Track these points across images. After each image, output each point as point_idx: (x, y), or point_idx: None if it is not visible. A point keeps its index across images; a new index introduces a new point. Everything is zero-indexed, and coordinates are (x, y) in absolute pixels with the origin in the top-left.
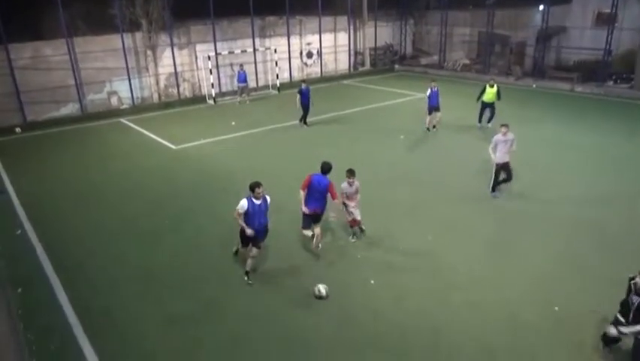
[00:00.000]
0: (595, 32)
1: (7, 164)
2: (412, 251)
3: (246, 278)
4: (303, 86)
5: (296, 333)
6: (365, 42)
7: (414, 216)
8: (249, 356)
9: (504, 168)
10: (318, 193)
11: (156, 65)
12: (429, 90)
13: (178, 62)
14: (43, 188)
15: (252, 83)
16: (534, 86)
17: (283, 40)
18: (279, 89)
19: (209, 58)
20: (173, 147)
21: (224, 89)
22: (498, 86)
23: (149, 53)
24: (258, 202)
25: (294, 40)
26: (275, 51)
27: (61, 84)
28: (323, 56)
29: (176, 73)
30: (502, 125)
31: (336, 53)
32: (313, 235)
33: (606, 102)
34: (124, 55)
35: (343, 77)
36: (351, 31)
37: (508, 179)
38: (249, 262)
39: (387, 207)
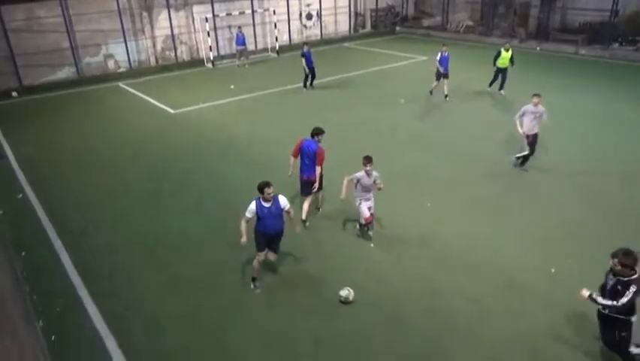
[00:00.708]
0: None
1: (6, 128)
2: (411, 216)
3: (252, 286)
4: (305, 48)
5: (296, 298)
6: (366, 3)
7: (414, 180)
8: (249, 320)
9: (530, 138)
10: (307, 159)
11: (152, 28)
12: (439, 54)
13: (175, 24)
14: (42, 152)
15: (250, 46)
16: (538, 49)
17: (282, 2)
18: (278, 52)
19: (206, 20)
20: (171, 111)
21: (222, 52)
22: (512, 51)
23: (144, 14)
24: (267, 205)
25: (293, 2)
26: (274, 13)
27: (56, 47)
28: (323, 18)
29: (172, 35)
30: (535, 95)
31: (336, 14)
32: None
33: (611, 65)
34: (119, 16)
35: (343, 39)
36: None
37: (531, 152)
38: (256, 266)
39: (388, 171)
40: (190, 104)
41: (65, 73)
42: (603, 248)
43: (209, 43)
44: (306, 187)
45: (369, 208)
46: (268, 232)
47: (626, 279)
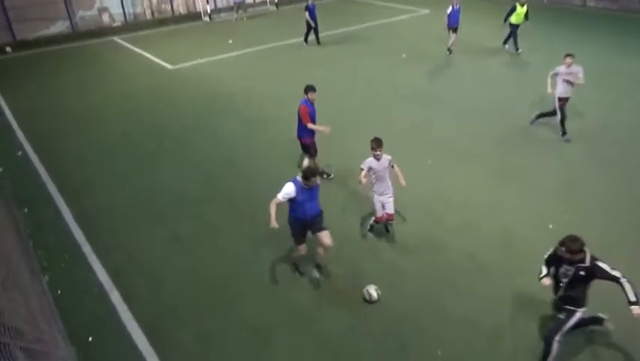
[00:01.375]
0: None
1: (1, 84)
2: (411, 173)
3: (297, 274)
4: (310, 1)
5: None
6: None
7: (414, 137)
8: (248, 275)
9: (564, 102)
10: (298, 118)
11: None
12: (450, 8)
13: None
14: (40, 109)
15: None
16: (545, 1)
17: None
18: (277, 5)
19: None
20: (169, 66)
21: (219, 5)
22: (527, 6)
23: None
24: (308, 188)
25: None
26: None
27: (49, 0)
28: None
29: None
30: (567, 55)
31: None
32: None
33: (620, 18)
34: None
35: None
36: None
37: (562, 117)
38: (297, 256)
39: (388, 127)
40: (188, 60)
41: (59, 27)
42: (602, 206)
43: None
44: (302, 147)
45: (384, 206)
46: (307, 217)
47: (587, 264)
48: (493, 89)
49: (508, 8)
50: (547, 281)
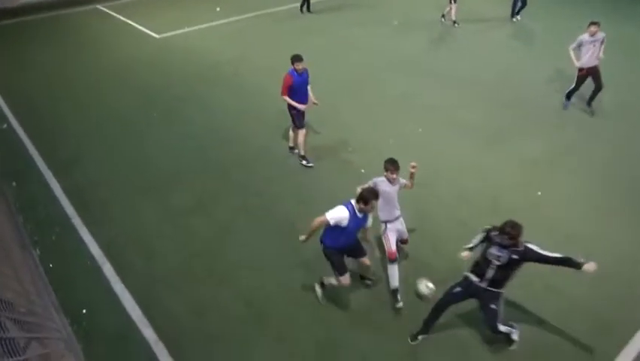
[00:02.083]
0: None
1: None
2: (402, 141)
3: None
4: None
5: (287, 219)
6: None
7: (405, 106)
8: (241, 242)
9: (591, 73)
10: None
11: None
12: None
13: None
14: (25, 80)
15: None
16: None
17: None
18: None
19: None
20: (156, 35)
21: None
22: None
23: None
24: (360, 216)
25: None
26: None
27: None
28: None
29: None
30: (592, 24)
31: None
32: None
33: None
34: None
35: None
36: None
37: (597, 88)
38: (341, 285)
39: (378, 96)
40: (175, 28)
41: None
42: (592, 173)
43: None
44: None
45: (401, 233)
46: (351, 246)
47: (521, 248)
48: (490, 58)
49: None
50: (468, 255)
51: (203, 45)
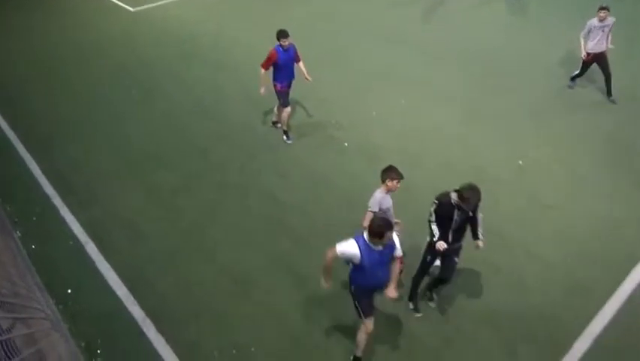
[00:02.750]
0: None
1: None
2: (385, 110)
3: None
4: None
5: (270, 194)
6: None
7: (387, 78)
8: (225, 218)
9: (597, 59)
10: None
11: None
12: None
13: None
14: None
15: None
16: None
17: None
18: None
19: None
20: (131, 9)
21: None
22: None
23: None
24: (378, 248)
25: None
26: None
27: None
28: None
29: None
30: (601, 9)
31: None
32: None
33: None
34: None
35: None
36: None
37: (607, 78)
38: (366, 332)
39: (360, 68)
40: (150, 1)
41: None
42: (567, 140)
43: None
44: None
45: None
46: (380, 285)
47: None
48: (481, 33)
49: None
50: (443, 244)
51: (181, 17)
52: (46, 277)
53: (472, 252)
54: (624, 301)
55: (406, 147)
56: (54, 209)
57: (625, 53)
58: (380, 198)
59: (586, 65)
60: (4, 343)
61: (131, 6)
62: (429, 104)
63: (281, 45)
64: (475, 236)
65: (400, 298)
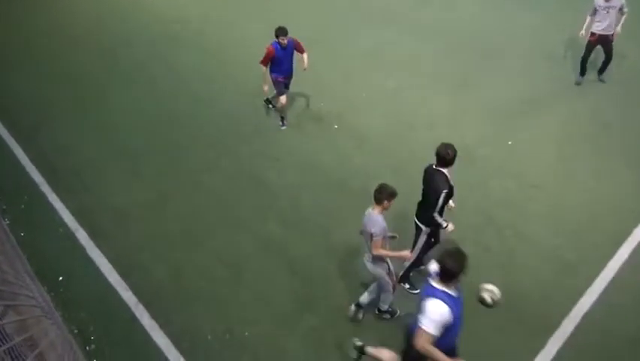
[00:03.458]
0: None
1: None
2: (374, 92)
3: None
4: None
5: (260, 178)
6: None
7: (374, 57)
8: (215, 202)
9: (602, 42)
10: None
11: None
12: None
13: None
14: None
15: None
16: None
17: None
18: None
19: None
20: None
21: None
22: None
23: None
24: (457, 294)
25: None
26: None
27: None
28: None
29: None
30: None
31: None
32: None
33: None
34: None
35: None
36: None
37: (607, 59)
38: None
39: (346, 49)
40: None
41: None
42: (557, 121)
43: None
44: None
45: (391, 268)
46: (456, 341)
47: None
48: (475, 12)
49: None
50: (452, 226)
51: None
52: (37, 265)
53: (463, 233)
54: (611, 279)
55: (395, 128)
56: (43, 196)
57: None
58: (382, 221)
59: (590, 46)
60: None
61: None
62: (418, 84)
63: (279, 43)
64: None
65: None
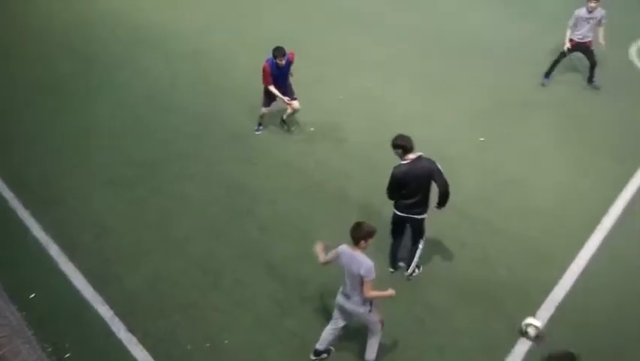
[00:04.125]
0: None
1: None
2: (350, 94)
3: None
4: None
5: (237, 183)
6: None
7: (349, 59)
8: (190, 209)
9: (581, 48)
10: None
11: None
12: None
13: None
14: None
15: None
16: None
17: None
18: None
19: None
20: None
21: None
22: None
23: None
24: None
25: None
26: None
27: None
28: None
29: None
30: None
31: None
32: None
33: None
34: None
35: None
36: None
37: (592, 65)
38: None
39: (314, 54)
40: None
41: None
42: (528, 116)
43: None
44: None
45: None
46: None
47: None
48: (433, 11)
49: None
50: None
51: (133, 6)
52: (7, 283)
53: (438, 229)
54: (583, 268)
55: (372, 129)
56: (12, 211)
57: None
58: (368, 259)
59: (565, 53)
60: None
61: None
62: (393, 85)
63: (277, 63)
64: None
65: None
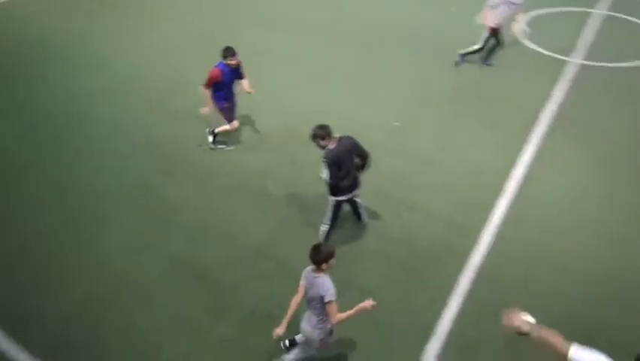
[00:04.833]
0: None
1: None
2: (263, 91)
3: None
4: None
5: (160, 195)
6: None
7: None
8: (120, 227)
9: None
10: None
11: None
12: None
13: None
14: None
15: None
16: None
17: None
18: None
19: None
20: None
21: None
22: None
23: None
24: None
25: None
26: None
27: None
28: None
29: None
30: None
31: None
32: None
33: None
34: None
35: None
36: None
37: (498, 44)
38: None
39: (258, 55)
40: None
41: None
42: (439, 98)
43: None
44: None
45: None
46: None
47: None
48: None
49: None
50: None
51: (38, 16)
52: None
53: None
54: (495, 232)
55: (288, 124)
56: None
57: None
58: (331, 283)
59: (490, 39)
60: None
61: None
62: (305, 80)
63: (228, 64)
64: None
65: None
